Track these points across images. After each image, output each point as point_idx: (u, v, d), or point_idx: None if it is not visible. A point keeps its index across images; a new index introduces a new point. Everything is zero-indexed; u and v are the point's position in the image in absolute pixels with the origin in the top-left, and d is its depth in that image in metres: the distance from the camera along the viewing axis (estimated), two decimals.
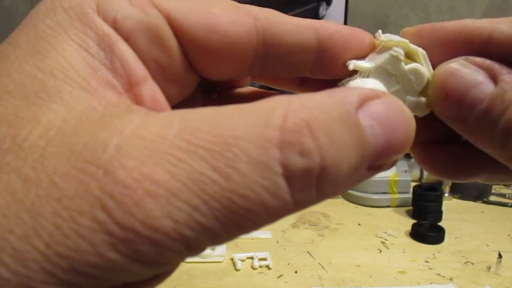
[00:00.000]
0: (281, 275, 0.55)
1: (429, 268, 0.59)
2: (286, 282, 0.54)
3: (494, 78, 0.16)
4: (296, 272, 0.56)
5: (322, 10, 1.35)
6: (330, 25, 0.18)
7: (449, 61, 0.18)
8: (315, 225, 0.71)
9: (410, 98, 0.19)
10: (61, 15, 0.15)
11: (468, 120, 0.17)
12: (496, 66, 0.17)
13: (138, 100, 0.14)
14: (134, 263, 0.10)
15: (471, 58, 0.17)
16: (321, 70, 0.19)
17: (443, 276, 0.57)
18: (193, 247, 0.11)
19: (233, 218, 0.10)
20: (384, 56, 0.19)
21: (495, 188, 0.90)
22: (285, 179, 0.11)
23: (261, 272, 0.56)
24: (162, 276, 0.13)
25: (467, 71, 0.17)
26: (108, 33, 0.15)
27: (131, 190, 0.10)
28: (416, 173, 0.91)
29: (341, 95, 0.12)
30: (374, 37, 0.20)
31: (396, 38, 0.19)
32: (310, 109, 0.11)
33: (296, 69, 0.19)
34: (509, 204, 0.84)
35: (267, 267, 0.57)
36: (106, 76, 0.14)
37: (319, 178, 0.11)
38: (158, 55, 0.16)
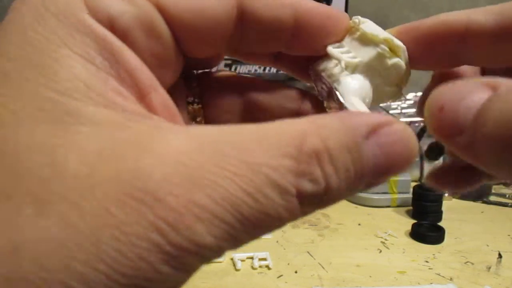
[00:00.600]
0: (281, 275, 0.55)
1: (429, 268, 0.59)
2: (286, 282, 0.54)
3: (493, 88, 0.14)
4: (296, 272, 0.56)
5: None
6: (308, 3, 0.18)
7: (439, 87, 0.16)
8: (315, 225, 0.71)
9: (388, 88, 0.20)
10: (52, 22, 0.14)
11: (464, 130, 0.15)
12: (494, 79, 0.15)
13: (150, 109, 0.15)
14: (181, 273, 0.12)
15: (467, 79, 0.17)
16: (296, 47, 0.19)
17: (443, 276, 0.57)
18: (222, 254, 0.13)
19: (257, 230, 0.13)
20: (371, 52, 0.20)
21: (495, 188, 0.90)
22: (298, 199, 0.13)
23: (261, 272, 0.56)
24: None
25: (464, 82, 0.15)
26: (108, 39, 0.14)
27: (182, 215, 0.12)
28: (416, 173, 0.91)
29: (353, 123, 0.14)
30: (350, 19, 0.20)
31: (380, 33, 0.20)
32: (323, 140, 0.13)
33: (272, 45, 0.19)
34: (509, 204, 0.84)
35: (267, 267, 0.57)
36: (117, 87, 0.14)
37: (323, 197, 0.13)
38: (153, 46, 0.16)
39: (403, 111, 1.12)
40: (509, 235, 0.70)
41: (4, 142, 0.12)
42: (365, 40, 0.20)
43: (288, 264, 0.58)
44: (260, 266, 0.57)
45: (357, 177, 0.14)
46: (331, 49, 0.19)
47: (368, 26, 0.20)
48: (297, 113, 0.22)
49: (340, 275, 0.56)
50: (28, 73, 0.13)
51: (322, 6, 0.19)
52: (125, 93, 0.14)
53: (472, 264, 0.60)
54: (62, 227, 0.11)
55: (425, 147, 0.96)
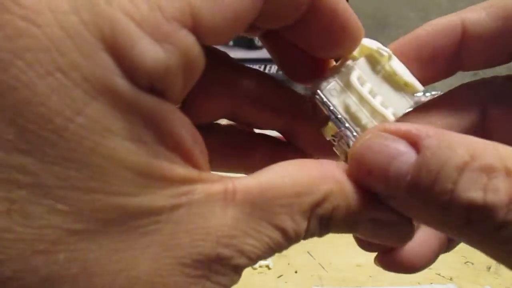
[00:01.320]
0: (281, 275, 0.55)
1: (429, 268, 0.58)
2: (286, 282, 0.54)
3: (415, 145, 0.15)
4: (296, 272, 0.56)
5: None
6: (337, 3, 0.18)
7: (364, 134, 0.16)
8: None
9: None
10: (79, 98, 0.12)
11: (398, 195, 0.16)
12: (413, 130, 0.15)
13: (196, 165, 0.15)
14: None
15: (386, 126, 0.16)
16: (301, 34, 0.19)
17: (443, 276, 0.57)
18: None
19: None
20: (404, 104, 0.20)
21: None
22: (299, 240, 0.17)
23: (261, 272, 0.56)
24: None
25: (384, 142, 0.15)
26: (150, 106, 0.13)
27: (228, 277, 0.15)
28: None
29: (360, 198, 0.17)
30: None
31: (406, 75, 0.19)
32: (334, 208, 0.16)
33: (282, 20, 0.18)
34: None
35: (267, 267, 0.57)
36: (168, 158, 0.14)
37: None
38: (192, 81, 0.15)
39: None
40: None
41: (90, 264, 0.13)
42: (391, 81, 0.19)
43: (288, 264, 0.58)
44: (260, 266, 0.57)
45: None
46: (367, 94, 0.19)
47: (397, 66, 0.19)
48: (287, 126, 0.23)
49: (340, 275, 0.56)
50: (78, 182, 0.12)
51: (346, 10, 0.18)
52: (175, 159, 0.14)
53: (472, 264, 0.60)
54: None
55: None
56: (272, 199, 0.15)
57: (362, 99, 0.19)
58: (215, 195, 0.15)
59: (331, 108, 0.19)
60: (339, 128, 0.19)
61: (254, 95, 0.21)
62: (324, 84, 0.19)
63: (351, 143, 0.19)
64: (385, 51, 0.19)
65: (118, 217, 0.13)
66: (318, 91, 0.19)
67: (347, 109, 0.19)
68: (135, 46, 0.12)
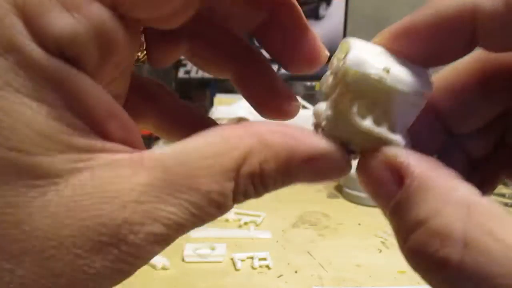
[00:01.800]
0: (281, 275, 0.55)
1: None
2: (286, 282, 0.54)
3: (399, 180, 0.15)
4: (296, 272, 0.56)
5: (322, 10, 1.35)
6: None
7: (371, 154, 0.17)
8: (315, 225, 0.71)
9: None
10: None
11: (385, 212, 0.16)
12: (403, 165, 0.15)
13: (107, 136, 0.15)
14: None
15: (385, 150, 0.16)
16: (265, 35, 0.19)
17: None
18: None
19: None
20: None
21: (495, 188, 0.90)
22: (232, 205, 0.16)
23: (261, 272, 0.56)
24: None
25: (377, 166, 0.16)
26: (58, 71, 0.13)
27: (142, 247, 0.14)
28: None
29: (295, 148, 0.16)
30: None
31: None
32: (261, 163, 0.16)
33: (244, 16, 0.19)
34: (509, 204, 0.84)
35: (267, 267, 0.57)
36: (71, 123, 0.14)
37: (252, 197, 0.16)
38: (109, 58, 0.15)
39: None
40: None
41: None
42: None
43: (288, 264, 0.58)
44: (260, 266, 0.57)
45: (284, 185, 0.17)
46: (383, 132, 0.17)
47: (399, 76, 0.17)
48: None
49: (340, 275, 0.56)
50: None
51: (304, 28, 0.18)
52: (80, 127, 0.14)
53: None
54: (38, 275, 0.13)
55: None
56: (188, 162, 0.15)
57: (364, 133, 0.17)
58: (119, 161, 0.14)
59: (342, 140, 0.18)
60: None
61: (210, 41, 0.21)
62: (323, 115, 0.18)
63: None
64: (377, 74, 0.16)
65: (14, 172, 0.13)
66: (321, 129, 0.18)
67: (349, 140, 0.18)
68: (45, 14, 0.13)
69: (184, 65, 1.34)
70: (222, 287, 0.53)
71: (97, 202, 0.14)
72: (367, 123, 0.17)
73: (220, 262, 0.58)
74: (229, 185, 0.15)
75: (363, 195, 0.83)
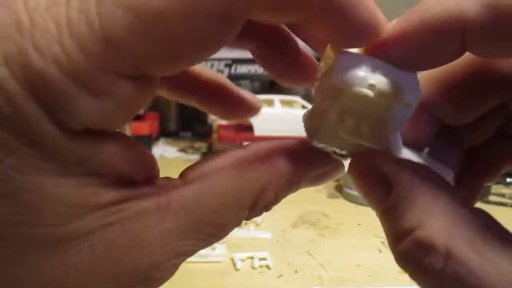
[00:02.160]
0: (281, 275, 0.55)
1: None
2: (286, 282, 0.54)
3: (388, 187, 0.16)
4: (296, 272, 0.56)
5: None
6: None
7: (365, 154, 0.18)
8: (315, 225, 0.71)
9: None
10: (11, 142, 0.12)
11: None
12: (391, 174, 0.16)
13: (127, 182, 0.15)
14: None
15: (379, 157, 0.17)
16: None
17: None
18: None
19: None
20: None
21: (495, 188, 0.90)
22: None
23: (261, 272, 0.56)
24: None
25: (367, 170, 0.18)
26: (81, 149, 0.14)
27: (165, 278, 0.16)
28: None
29: (302, 173, 0.19)
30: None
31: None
32: (276, 193, 0.18)
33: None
34: (509, 204, 0.84)
35: (267, 267, 0.57)
36: (101, 183, 0.14)
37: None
38: (134, 113, 0.16)
39: None
40: None
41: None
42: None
43: (288, 264, 0.58)
44: (260, 266, 0.57)
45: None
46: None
47: (382, 81, 0.17)
48: None
49: (340, 275, 0.56)
50: (14, 216, 0.13)
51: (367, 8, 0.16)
52: (107, 183, 0.15)
53: None
54: None
55: None
56: (209, 202, 0.16)
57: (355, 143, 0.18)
58: (147, 210, 0.15)
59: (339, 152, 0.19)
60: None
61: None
62: (314, 129, 0.18)
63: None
64: (362, 91, 0.16)
65: (48, 242, 0.13)
66: (314, 141, 0.19)
67: (341, 150, 0.18)
68: (69, 101, 0.12)
69: None
70: (222, 287, 0.53)
71: (128, 252, 0.15)
72: (356, 135, 0.17)
73: (220, 262, 0.58)
74: (244, 214, 0.17)
75: None
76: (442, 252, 0.13)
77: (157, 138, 1.29)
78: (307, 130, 0.19)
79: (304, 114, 0.19)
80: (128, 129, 1.13)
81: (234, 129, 1.05)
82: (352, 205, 0.82)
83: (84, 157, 0.14)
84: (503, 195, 0.88)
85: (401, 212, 0.15)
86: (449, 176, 0.19)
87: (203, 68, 0.24)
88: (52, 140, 0.13)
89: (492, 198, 0.87)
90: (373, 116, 0.17)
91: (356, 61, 0.17)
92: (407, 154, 0.18)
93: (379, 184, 0.16)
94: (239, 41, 0.21)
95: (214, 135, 1.07)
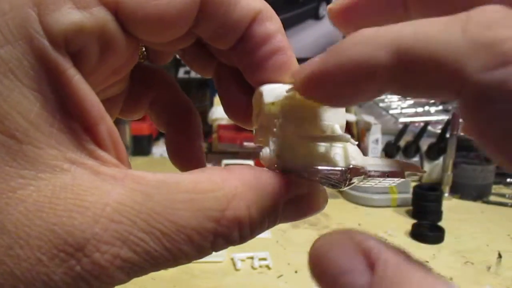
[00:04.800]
0: (281, 275, 0.55)
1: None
2: (286, 282, 0.54)
3: (371, 265, 0.14)
4: (296, 272, 0.56)
5: (322, 10, 1.35)
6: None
7: (328, 235, 0.15)
8: (315, 225, 0.71)
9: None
10: (2, 43, 0.13)
11: None
12: (375, 250, 0.14)
13: (96, 139, 0.15)
14: None
15: (352, 234, 0.15)
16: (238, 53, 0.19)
17: (443, 276, 0.57)
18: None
19: (165, 267, 0.15)
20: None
21: (495, 188, 0.90)
22: (211, 249, 0.15)
23: (261, 272, 0.56)
24: None
25: (339, 253, 0.15)
26: (60, 67, 0.14)
27: (106, 269, 0.14)
28: None
29: (279, 190, 0.17)
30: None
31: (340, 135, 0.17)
32: (248, 206, 0.16)
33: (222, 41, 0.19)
34: (509, 204, 0.84)
35: (267, 267, 0.57)
36: (64, 121, 0.14)
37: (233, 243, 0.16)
38: (108, 59, 0.16)
39: (403, 111, 1.12)
40: (509, 235, 0.70)
41: None
42: (311, 105, 0.18)
43: (288, 264, 0.58)
44: (260, 266, 0.57)
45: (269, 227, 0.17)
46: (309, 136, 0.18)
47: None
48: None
49: None
50: None
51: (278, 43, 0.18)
52: (72, 126, 0.14)
53: (472, 264, 0.60)
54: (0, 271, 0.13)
55: (425, 147, 0.97)
56: (170, 193, 0.14)
57: (308, 142, 0.18)
58: (103, 173, 0.14)
59: (297, 170, 0.18)
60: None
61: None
62: (271, 155, 0.18)
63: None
64: (292, 91, 0.17)
65: (2, 153, 0.13)
66: (275, 166, 0.18)
67: (304, 159, 0.18)
68: (57, 8, 0.14)
69: (184, 65, 1.34)
70: (222, 287, 0.53)
71: (70, 209, 0.13)
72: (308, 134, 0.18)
73: (220, 262, 0.58)
74: (209, 225, 0.15)
75: (363, 195, 0.83)
76: None
77: (157, 138, 1.29)
78: (268, 167, 0.19)
79: (261, 157, 0.19)
80: (128, 129, 1.14)
81: (234, 129, 1.05)
82: (352, 205, 0.82)
83: (57, 75, 0.14)
84: (503, 195, 0.88)
85: None
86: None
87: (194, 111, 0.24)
88: (36, 42, 0.14)
89: (492, 198, 0.87)
90: (312, 115, 0.18)
91: (278, 85, 0.19)
92: (372, 161, 0.18)
93: (360, 263, 0.14)
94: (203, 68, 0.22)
95: (214, 135, 1.07)
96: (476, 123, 0.12)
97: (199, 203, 0.15)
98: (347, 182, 0.18)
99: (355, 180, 0.18)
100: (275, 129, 0.18)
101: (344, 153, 0.18)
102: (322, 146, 0.18)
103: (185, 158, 0.23)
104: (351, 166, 0.17)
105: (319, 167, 0.18)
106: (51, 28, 0.14)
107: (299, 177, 0.18)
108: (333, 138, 0.18)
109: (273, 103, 0.18)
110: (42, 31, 0.14)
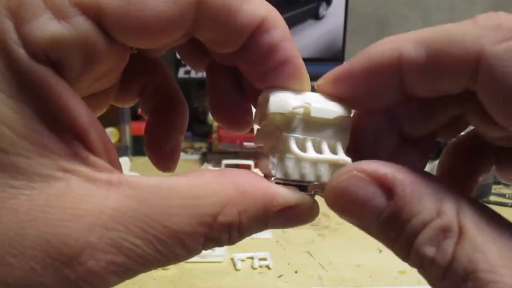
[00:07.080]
0: (281, 275, 0.55)
1: None
2: (286, 282, 0.54)
3: (388, 191, 0.16)
4: (296, 272, 0.56)
5: (322, 10, 1.35)
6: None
7: (340, 172, 0.17)
8: (315, 225, 0.71)
9: None
10: None
11: (371, 229, 0.17)
12: (389, 175, 0.16)
13: (88, 145, 0.15)
14: None
15: (364, 166, 0.16)
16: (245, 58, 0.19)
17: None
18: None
19: (154, 267, 0.15)
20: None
21: (495, 188, 0.90)
22: (201, 250, 0.16)
23: (261, 272, 0.56)
24: None
25: (359, 184, 0.16)
26: (42, 77, 0.14)
27: (101, 275, 0.14)
28: None
29: (271, 198, 0.17)
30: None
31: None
32: (240, 212, 0.16)
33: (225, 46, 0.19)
34: (509, 204, 0.84)
35: (267, 267, 0.57)
36: (53, 129, 0.14)
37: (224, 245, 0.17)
38: (92, 66, 0.15)
39: None
40: None
41: None
42: (323, 125, 0.19)
43: (288, 264, 0.58)
44: (260, 266, 0.57)
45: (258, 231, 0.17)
46: (315, 156, 0.18)
47: (319, 112, 0.18)
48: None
49: (340, 275, 0.56)
50: None
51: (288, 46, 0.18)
52: (62, 134, 0.14)
53: None
54: None
55: None
56: (164, 198, 0.15)
57: (313, 162, 0.19)
58: (97, 180, 0.14)
59: (293, 182, 0.19)
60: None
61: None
62: (270, 165, 0.19)
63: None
64: (300, 108, 0.18)
65: None
66: (273, 177, 0.19)
67: (304, 176, 0.19)
68: (35, 19, 0.13)
69: (184, 65, 1.34)
70: (222, 287, 0.53)
71: (64, 218, 0.13)
72: (311, 154, 0.18)
73: (220, 262, 0.58)
74: (202, 230, 0.15)
75: None
76: (457, 232, 0.15)
77: None
78: (265, 174, 0.19)
79: (260, 167, 0.19)
80: (128, 129, 1.14)
81: None
82: None
83: (41, 86, 0.14)
84: (503, 195, 0.88)
85: (412, 208, 0.15)
86: None
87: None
88: (15, 54, 0.13)
89: (492, 198, 0.87)
90: (318, 133, 0.18)
91: (286, 92, 0.18)
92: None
93: (375, 193, 0.16)
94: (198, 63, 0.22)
95: (214, 135, 1.07)
96: (493, 93, 0.14)
97: (193, 209, 0.15)
98: None
99: None
100: (276, 143, 0.19)
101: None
102: (321, 164, 0.18)
103: (159, 150, 0.23)
104: None
105: (315, 182, 0.19)
106: (28, 38, 0.13)
107: (294, 188, 0.18)
108: (334, 161, 0.18)
109: (278, 113, 0.18)
110: (20, 41, 0.13)
